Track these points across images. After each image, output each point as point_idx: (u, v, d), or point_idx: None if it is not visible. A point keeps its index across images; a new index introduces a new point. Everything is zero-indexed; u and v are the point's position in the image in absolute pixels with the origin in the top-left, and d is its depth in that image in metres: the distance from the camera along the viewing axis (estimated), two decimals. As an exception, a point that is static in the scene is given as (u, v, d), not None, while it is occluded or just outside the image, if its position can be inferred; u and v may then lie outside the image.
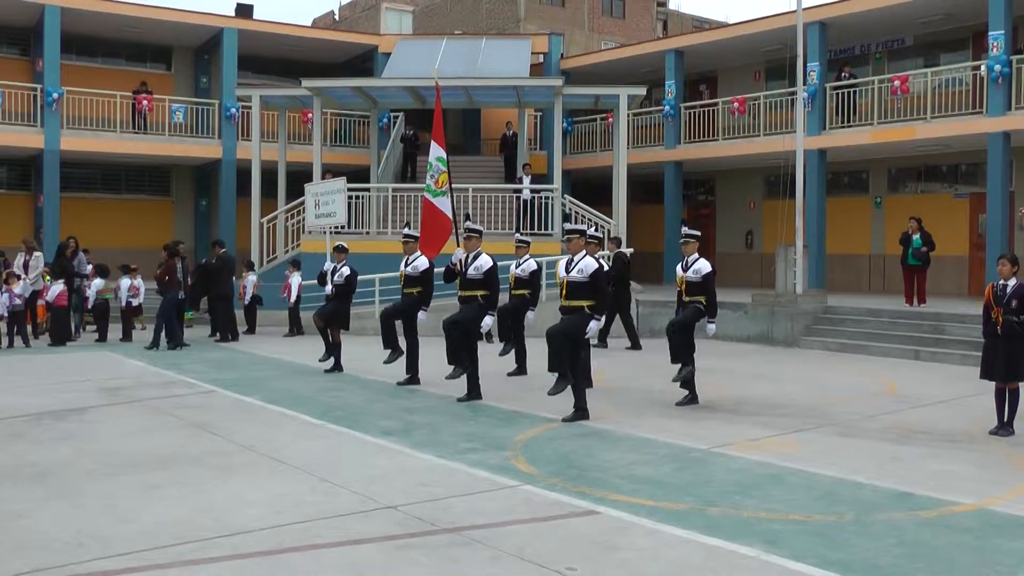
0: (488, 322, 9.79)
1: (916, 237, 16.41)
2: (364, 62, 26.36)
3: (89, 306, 16.38)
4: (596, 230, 11.98)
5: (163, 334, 14.64)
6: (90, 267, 16.75)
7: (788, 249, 16.33)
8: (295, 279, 17.24)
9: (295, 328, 17.13)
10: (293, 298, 17.17)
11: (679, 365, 9.59)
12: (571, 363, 8.66)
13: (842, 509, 5.84)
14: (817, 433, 8.32)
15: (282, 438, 7.91)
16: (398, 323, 11.29)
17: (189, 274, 15.67)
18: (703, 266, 9.72)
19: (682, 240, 9.92)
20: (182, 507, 5.75)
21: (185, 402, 9.76)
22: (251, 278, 17.74)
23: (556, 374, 8.69)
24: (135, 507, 5.76)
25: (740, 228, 25.00)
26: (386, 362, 11.12)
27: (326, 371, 12.02)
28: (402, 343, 11.13)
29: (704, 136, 22.72)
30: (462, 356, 9.82)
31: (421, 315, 10.83)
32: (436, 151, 10.62)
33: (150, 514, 5.61)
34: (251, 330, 17.42)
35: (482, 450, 7.46)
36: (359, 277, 12.62)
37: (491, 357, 11.95)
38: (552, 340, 8.56)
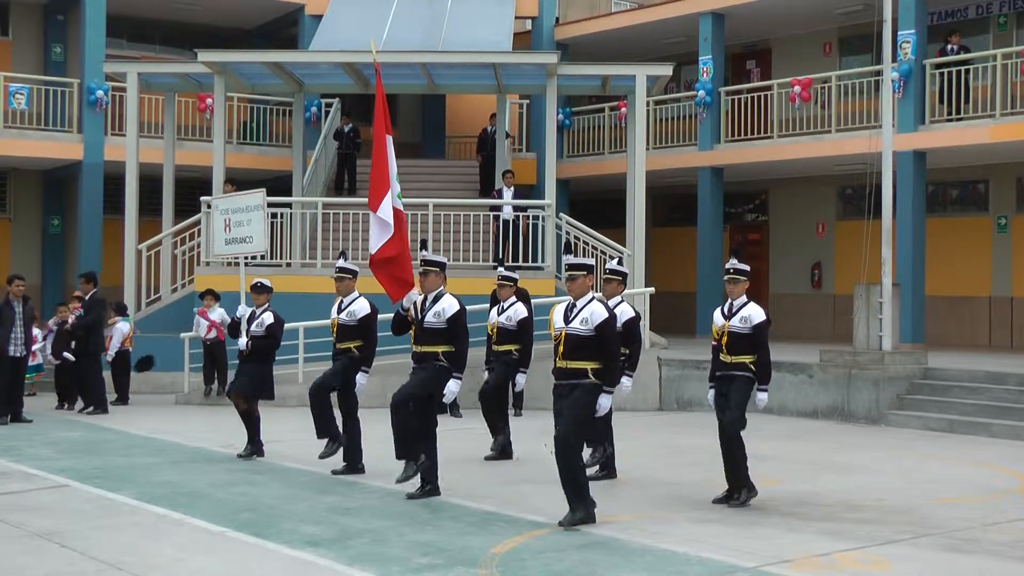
0: (454, 389, 9.79)
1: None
2: (286, 27, 26.50)
3: None
4: (620, 262, 11.98)
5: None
6: None
7: (872, 289, 16.41)
8: (216, 313, 17.40)
9: (213, 386, 17.34)
10: (208, 336, 17.36)
11: (741, 490, 9.69)
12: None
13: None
14: (914, 547, 8.29)
15: (162, 553, 7.84)
16: (334, 395, 11.30)
17: (34, 322, 15.70)
18: (754, 313, 9.78)
19: (727, 277, 9.99)
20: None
21: (23, 502, 9.63)
22: (121, 327, 17.66)
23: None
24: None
25: (803, 259, 25.17)
26: (322, 456, 11.20)
27: (240, 456, 12.19)
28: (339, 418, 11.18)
29: (753, 133, 22.89)
30: (416, 445, 9.80)
31: (360, 379, 10.93)
32: (393, 163, 10.39)
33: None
34: (122, 399, 17.38)
35: (445, 567, 7.44)
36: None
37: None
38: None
